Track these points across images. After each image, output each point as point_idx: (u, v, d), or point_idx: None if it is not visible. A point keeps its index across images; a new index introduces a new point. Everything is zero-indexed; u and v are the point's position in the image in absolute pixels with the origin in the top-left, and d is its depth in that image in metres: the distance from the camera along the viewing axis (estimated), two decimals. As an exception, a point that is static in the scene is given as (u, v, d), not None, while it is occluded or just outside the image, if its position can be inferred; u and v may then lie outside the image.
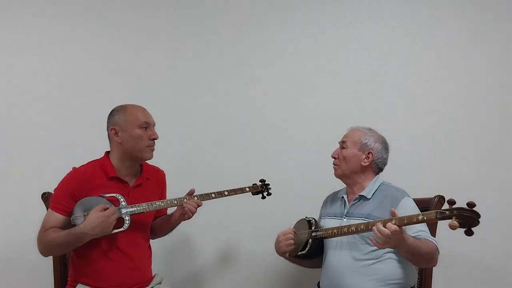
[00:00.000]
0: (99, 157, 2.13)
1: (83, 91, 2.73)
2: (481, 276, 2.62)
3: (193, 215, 2.13)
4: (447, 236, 2.50)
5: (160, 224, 2.26)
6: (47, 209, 2.21)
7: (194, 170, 2.72)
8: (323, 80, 2.74)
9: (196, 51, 2.77)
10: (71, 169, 2.08)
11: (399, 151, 2.66)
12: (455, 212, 1.63)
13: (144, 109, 2.12)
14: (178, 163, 2.71)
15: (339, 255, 2.05)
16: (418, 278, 2.23)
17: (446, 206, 1.70)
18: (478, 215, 1.62)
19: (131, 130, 2.05)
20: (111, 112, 2.12)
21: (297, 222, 2.27)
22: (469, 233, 1.65)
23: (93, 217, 1.90)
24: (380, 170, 2.19)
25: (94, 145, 2.60)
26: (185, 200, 2.11)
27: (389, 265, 1.99)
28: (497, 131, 2.65)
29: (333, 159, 2.18)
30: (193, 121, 2.76)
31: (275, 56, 2.76)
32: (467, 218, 1.61)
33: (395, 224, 1.75)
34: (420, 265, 2.07)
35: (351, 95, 2.72)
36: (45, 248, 1.98)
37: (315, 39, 2.75)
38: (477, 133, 2.66)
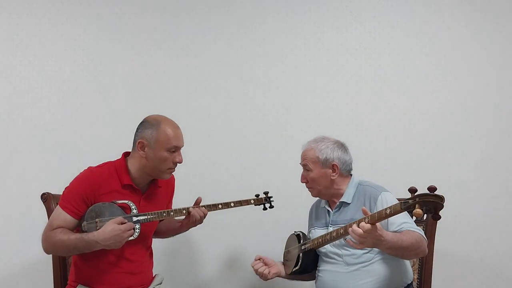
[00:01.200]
0: (114, 159, 2.09)
1: (83, 92, 2.73)
2: (481, 275, 2.63)
3: (198, 224, 2.12)
4: (447, 235, 2.53)
5: (167, 227, 2.25)
6: (46, 209, 2.22)
7: (193, 170, 2.71)
8: (323, 80, 2.74)
9: (196, 51, 2.76)
10: (87, 168, 2.05)
11: (398, 151, 2.68)
12: (417, 199, 1.61)
13: (178, 130, 2.05)
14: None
15: (332, 262, 2.06)
16: (418, 278, 2.23)
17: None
18: (441, 199, 1.60)
19: (158, 150, 1.99)
20: (144, 122, 2.05)
21: (288, 238, 2.29)
22: (435, 217, 1.64)
23: (109, 228, 1.88)
24: (351, 170, 2.17)
25: (94, 146, 2.61)
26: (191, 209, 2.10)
27: (382, 265, 1.99)
28: (496, 131, 2.65)
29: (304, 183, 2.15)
30: (192, 121, 2.75)
31: (275, 56, 2.76)
32: (431, 203, 1.60)
33: (367, 222, 1.73)
34: (409, 257, 2.02)
35: (351, 95, 2.72)
36: (50, 247, 1.96)
37: (315, 39, 2.74)
38: (477, 133, 2.66)
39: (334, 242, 2.05)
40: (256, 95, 2.75)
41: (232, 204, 2.20)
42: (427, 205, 1.60)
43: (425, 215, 2.19)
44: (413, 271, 2.15)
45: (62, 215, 1.95)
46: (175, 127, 2.04)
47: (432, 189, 1.61)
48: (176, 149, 2.02)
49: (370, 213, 1.76)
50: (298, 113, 2.74)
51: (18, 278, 2.64)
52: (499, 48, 2.67)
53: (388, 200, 1.97)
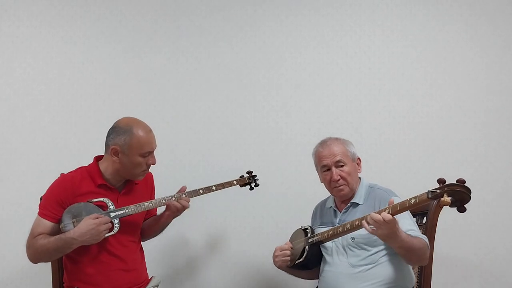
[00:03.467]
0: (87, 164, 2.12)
1: (82, 95, 2.73)
2: (480, 279, 2.63)
3: (180, 213, 2.13)
4: (447, 239, 2.53)
5: (149, 225, 2.25)
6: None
7: (193, 172, 2.72)
8: (323, 84, 2.74)
9: (196, 54, 2.77)
10: (59, 175, 2.08)
11: (398, 154, 2.68)
12: (446, 189, 1.61)
13: (151, 134, 2.05)
14: (177, 166, 2.71)
15: (336, 262, 2.05)
16: (417, 282, 2.23)
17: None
18: (469, 190, 1.60)
19: (132, 156, 2.00)
20: (116, 127, 2.05)
21: (293, 233, 2.27)
22: (461, 209, 1.63)
23: (84, 224, 1.91)
24: None
25: (93, 149, 2.59)
26: (173, 198, 2.11)
27: (386, 268, 1.98)
28: (495, 134, 2.66)
29: (335, 182, 2.06)
30: (192, 124, 2.76)
31: (275, 59, 2.76)
32: (459, 194, 1.59)
33: (389, 213, 1.72)
34: (413, 262, 2.00)
35: (350, 98, 2.72)
36: (34, 254, 1.97)
37: (314, 43, 2.75)
38: (476, 136, 2.66)
39: (341, 243, 2.04)
40: (256, 98, 2.76)
41: (213, 188, 2.19)
42: (454, 195, 1.59)
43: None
44: (412, 274, 2.16)
45: (41, 222, 1.98)
46: (147, 131, 2.04)
47: (461, 181, 1.61)
48: (149, 153, 2.04)
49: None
50: (297, 116, 2.74)
51: (17, 281, 2.64)
52: (498, 51, 2.67)
53: None
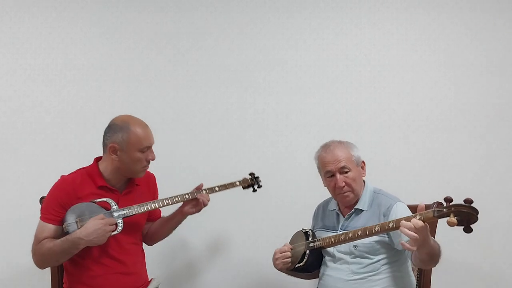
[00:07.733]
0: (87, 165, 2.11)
1: (82, 96, 2.73)
2: (480, 283, 2.63)
3: (199, 210, 2.16)
4: (446, 242, 2.50)
5: (160, 226, 2.24)
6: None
7: (193, 174, 2.71)
8: (323, 86, 2.74)
9: (196, 55, 2.77)
10: (59, 178, 2.07)
11: (398, 158, 2.68)
12: (452, 209, 1.58)
13: (147, 129, 2.05)
14: (177, 167, 2.71)
15: (337, 268, 2.03)
16: (416, 285, 2.22)
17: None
18: (476, 211, 1.57)
19: (131, 152, 2.00)
20: (112, 126, 2.04)
21: (294, 235, 2.25)
22: (468, 230, 1.60)
23: (91, 223, 1.90)
24: None
25: (93, 149, 2.60)
26: (176, 199, 2.11)
27: (387, 276, 1.98)
28: (496, 137, 2.66)
29: (340, 189, 2.00)
30: (192, 126, 2.76)
31: (275, 61, 2.76)
32: (465, 214, 1.57)
33: (420, 219, 1.63)
34: (430, 265, 1.90)
35: (350, 101, 2.72)
36: (40, 259, 1.97)
37: (315, 45, 2.75)
38: (476, 139, 2.67)
39: (343, 250, 2.02)
40: (256, 100, 2.76)
41: (216, 188, 2.21)
42: (461, 216, 1.57)
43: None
44: (412, 278, 2.15)
45: (45, 227, 1.97)
46: (144, 126, 2.04)
47: (468, 201, 1.59)
48: (148, 148, 2.04)
49: (425, 211, 1.66)
50: (298, 119, 2.74)
51: (16, 282, 2.64)
52: (499, 55, 2.68)
53: (401, 211, 1.92)
